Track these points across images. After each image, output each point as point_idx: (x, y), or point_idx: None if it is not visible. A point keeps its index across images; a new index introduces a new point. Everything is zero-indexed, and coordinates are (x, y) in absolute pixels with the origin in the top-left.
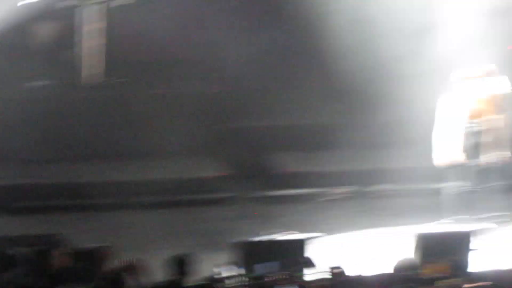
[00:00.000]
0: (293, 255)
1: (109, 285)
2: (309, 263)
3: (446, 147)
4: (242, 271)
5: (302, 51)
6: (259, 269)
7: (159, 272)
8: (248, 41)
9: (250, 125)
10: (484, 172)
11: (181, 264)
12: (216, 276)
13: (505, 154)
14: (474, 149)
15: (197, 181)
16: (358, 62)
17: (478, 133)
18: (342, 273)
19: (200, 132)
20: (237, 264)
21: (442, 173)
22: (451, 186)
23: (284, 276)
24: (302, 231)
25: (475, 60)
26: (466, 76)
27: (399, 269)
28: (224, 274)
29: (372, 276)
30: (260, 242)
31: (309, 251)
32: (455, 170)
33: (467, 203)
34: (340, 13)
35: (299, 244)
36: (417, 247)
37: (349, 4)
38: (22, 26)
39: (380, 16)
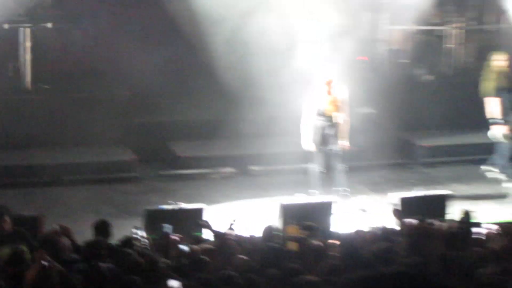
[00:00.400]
0: (191, 220)
1: (44, 245)
2: (204, 226)
3: (308, 137)
4: (152, 232)
5: (195, 63)
6: (165, 229)
7: (86, 234)
8: (152, 55)
9: (156, 120)
10: (332, 157)
11: (102, 228)
12: (131, 236)
13: (345, 143)
14: (325, 139)
15: (115, 163)
16: (241, 72)
17: (327, 127)
18: (228, 234)
19: (116, 126)
20: (147, 227)
21: (305, 157)
22: (311, 167)
23: (181, 236)
24: (197, 201)
25: (329, 69)
26: (321, 83)
27: (267, 230)
28: (137, 235)
29: (247, 237)
30: (165, 210)
31: (204, 217)
32: (314, 154)
33: (320, 180)
34: (224, 33)
35: (196, 212)
36: (281, 214)
37: (230, 27)
38: None
39: (257, 37)
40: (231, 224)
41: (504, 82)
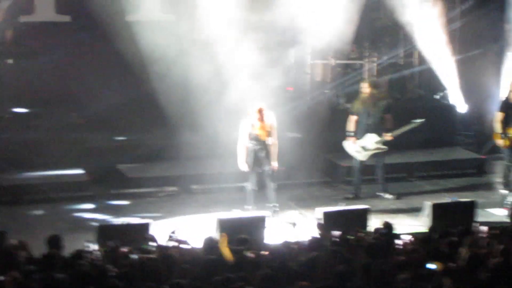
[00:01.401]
0: (139, 234)
1: (4, 258)
2: (150, 239)
3: (243, 159)
4: (102, 245)
5: (142, 93)
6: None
7: (43, 248)
8: (104, 87)
9: (108, 144)
10: (264, 176)
11: (54, 241)
12: (82, 249)
13: (275, 164)
14: (258, 160)
15: (71, 184)
16: (183, 101)
17: (259, 150)
18: (171, 246)
19: (72, 150)
20: (100, 241)
21: (241, 176)
22: (246, 185)
23: (129, 248)
24: (145, 217)
25: (260, 99)
26: (253, 110)
27: (207, 242)
28: (89, 248)
29: (188, 248)
30: (115, 225)
31: (150, 231)
32: (249, 174)
33: (254, 197)
34: (166, 67)
35: (143, 227)
36: (218, 228)
37: (171, 62)
38: None
39: (195, 70)
40: (170, 236)
41: (364, 105)
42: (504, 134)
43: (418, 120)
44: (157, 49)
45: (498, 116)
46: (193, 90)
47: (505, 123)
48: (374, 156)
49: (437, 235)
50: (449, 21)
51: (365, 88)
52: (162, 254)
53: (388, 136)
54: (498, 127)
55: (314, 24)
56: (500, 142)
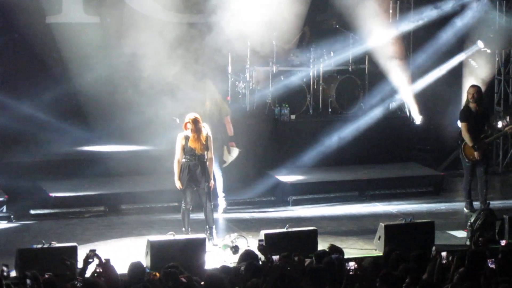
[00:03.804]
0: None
1: None
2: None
3: (178, 176)
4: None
5: (64, 104)
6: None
7: None
8: (21, 98)
9: (26, 160)
10: (201, 195)
11: None
12: (1, 274)
13: (211, 182)
14: (193, 178)
15: None
16: (110, 112)
17: (195, 165)
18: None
19: None
20: (20, 266)
21: (176, 195)
22: (182, 205)
23: (50, 274)
24: (70, 240)
25: (195, 110)
26: (188, 123)
27: (133, 267)
28: (9, 273)
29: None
30: (37, 249)
31: (76, 255)
32: (184, 192)
33: (189, 218)
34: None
35: (69, 250)
36: (149, 251)
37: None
38: None
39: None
40: (97, 262)
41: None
42: (478, 146)
43: None
44: (81, 55)
45: (464, 127)
46: (121, 102)
47: (473, 133)
48: None
49: (391, 260)
50: (403, 26)
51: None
52: (86, 282)
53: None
54: (468, 138)
55: (254, 28)
56: (474, 154)
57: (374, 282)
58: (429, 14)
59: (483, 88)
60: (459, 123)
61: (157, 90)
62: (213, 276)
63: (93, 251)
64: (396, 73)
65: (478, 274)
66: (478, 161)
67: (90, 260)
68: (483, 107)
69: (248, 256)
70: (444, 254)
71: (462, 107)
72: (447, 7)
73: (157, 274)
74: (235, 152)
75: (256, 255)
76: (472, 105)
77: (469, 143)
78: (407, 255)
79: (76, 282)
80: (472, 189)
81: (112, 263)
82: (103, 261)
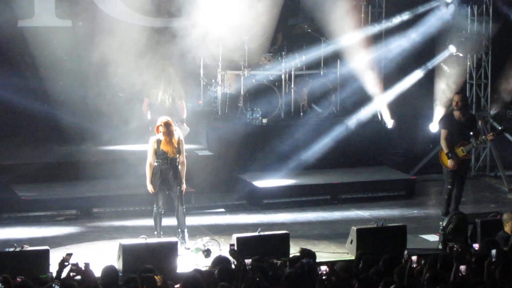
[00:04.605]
0: (36, 262)
1: None
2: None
3: (150, 179)
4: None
5: (34, 106)
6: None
7: None
8: None
9: None
10: (173, 198)
11: None
12: None
13: (183, 185)
14: (165, 181)
15: None
16: (84, 113)
17: (167, 169)
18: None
19: None
20: None
21: (148, 199)
22: (154, 208)
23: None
24: (42, 244)
25: (168, 114)
26: (160, 126)
27: (107, 271)
28: None
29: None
30: (8, 252)
31: (50, 259)
32: (156, 196)
33: (161, 222)
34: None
35: (41, 254)
36: (120, 255)
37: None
38: None
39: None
40: (71, 266)
41: None
42: (452, 154)
43: None
44: (53, 59)
45: (443, 134)
46: (92, 105)
47: (451, 142)
48: None
49: (363, 264)
50: (375, 30)
51: None
52: (62, 285)
53: None
54: (445, 145)
55: (226, 32)
56: (448, 162)
57: (346, 286)
58: (400, 18)
59: (453, 92)
60: (432, 128)
61: (128, 95)
62: (190, 278)
63: (69, 254)
64: (368, 77)
65: (448, 278)
66: (457, 169)
67: (66, 263)
68: (468, 115)
69: (220, 261)
70: (414, 258)
71: (444, 114)
72: (418, 11)
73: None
74: (186, 130)
75: (229, 260)
76: (456, 113)
77: (445, 150)
78: (378, 259)
79: (53, 285)
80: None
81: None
82: (82, 265)
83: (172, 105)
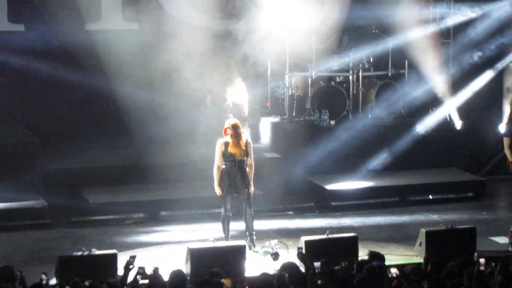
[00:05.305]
0: (104, 266)
1: None
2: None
3: (218, 182)
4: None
5: (105, 109)
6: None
7: None
8: (60, 102)
9: (66, 166)
10: (241, 202)
11: (6, 273)
12: (39, 283)
13: (252, 188)
14: (233, 184)
15: (26, 210)
16: (152, 117)
17: (235, 171)
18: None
19: (27, 173)
20: (60, 273)
21: (216, 202)
22: (221, 212)
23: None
24: (110, 247)
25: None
26: (228, 128)
27: (174, 275)
28: (49, 281)
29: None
30: (77, 256)
31: (118, 263)
32: (224, 199)
33: (229, 225)
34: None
35: (109, 258)
36: (189, 259)
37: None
38: None
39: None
40: (139, 270)
41: None
42: None
43: None
44: (120, 62)
45: (506, 142)
46: (161, 107)
47: None
48: None
49: (431, 266)
50: (443, 27)
51: None
52: None
53: None
54: (509, 154)
55: (293, 33)
56: None
57: None
58: (468, 15)
59: None
60: (501, 129)
61: (196, 98)
62: (260, 281)
63: (133, 257)
64: (437, 78)
65: None
66: None
67: (131, 266)
68: None
69: (288, 266)
70: (482, 260)
71: (509, 119)
72: (486, 9)
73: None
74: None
75: (297, 265)
76: None
77: (510, 159)
78: (448, 261)
79: None
80: None
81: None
82: (151, 269)
83: (234, 104)
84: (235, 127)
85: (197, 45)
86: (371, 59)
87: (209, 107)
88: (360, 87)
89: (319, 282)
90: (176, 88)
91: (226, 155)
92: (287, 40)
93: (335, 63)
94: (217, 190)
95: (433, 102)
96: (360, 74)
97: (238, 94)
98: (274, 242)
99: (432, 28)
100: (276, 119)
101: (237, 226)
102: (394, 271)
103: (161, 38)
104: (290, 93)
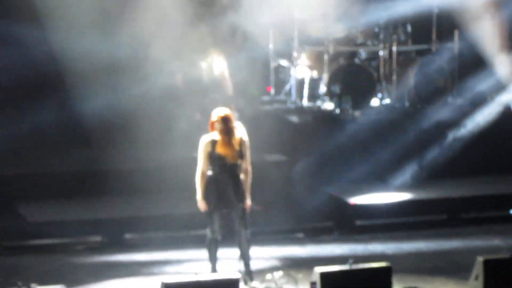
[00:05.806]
0: None
1: None
2: None
3: (202, 194)
4: None
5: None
6: None
7: None
8: None
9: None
10: (234, 219)
11: None
12: None
13: (248, 202)
14: (223, 196)
15: None
16: (112, 112)
17: (225, 179)
18: None
19: None
20: None
21: (200, 220)
22: (207, 233)
23: None
24: (56, 282)
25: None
26: (215, 118)
27: None
28: None
29: None
30: None
31: None
32: (210, 216)
33: (217, 250)
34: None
35: None
36: None
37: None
38: None
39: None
40: None
41: None
42: None
43: None
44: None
45: None
46: (125, 96)
47: None
48: None
49: None
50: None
51: None
52: None
53: None
54: None
55: None
56: None
57: None
58: None
59: None
60: None
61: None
62: None
63: None
64: (499, 56)
65: None
66: None
67: None
68: None
69: None
70: None
71: None
72: None
73: None
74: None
75: None
76: None
77: None
78: None
79: None
80: None
81: None
82: None
83: (213, 80)
84: (225, 120)
85: (173, 13)
86: (409, 28)
87: (181, 87)
88: (394, 66)
89: None
90: (146, 71)
91: (213, 157)
92: (296, 4)
93: (359, 34)
94: (201, 205)
95: (494, 88)
96: (394, 48)
97: (217, 69)
98: (278, 274)
99: None
100: (281, 108)
101: (228, 253)
102: None
103: (126, 4)
104: (299, 75)
